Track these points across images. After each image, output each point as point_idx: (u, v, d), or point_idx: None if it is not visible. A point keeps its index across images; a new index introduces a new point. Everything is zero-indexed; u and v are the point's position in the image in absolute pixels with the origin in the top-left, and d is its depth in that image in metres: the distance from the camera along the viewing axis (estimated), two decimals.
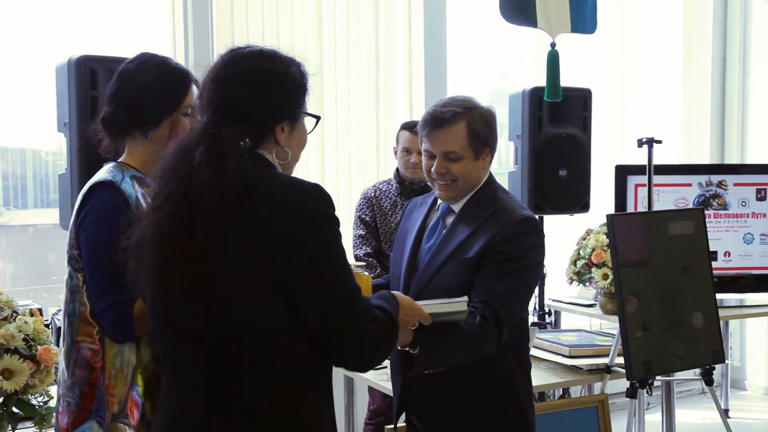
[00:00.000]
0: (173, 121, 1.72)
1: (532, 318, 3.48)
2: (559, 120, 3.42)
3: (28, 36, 3.42)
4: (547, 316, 3.67)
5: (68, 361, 1.67)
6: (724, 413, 3.13)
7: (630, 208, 3.62)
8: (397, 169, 3.36)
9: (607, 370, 2.79)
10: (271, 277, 1.38)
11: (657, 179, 3.18)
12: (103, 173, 1.70)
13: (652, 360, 2.61)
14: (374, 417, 3.36)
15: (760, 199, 3.74)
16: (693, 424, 4.49)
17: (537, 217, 2.15)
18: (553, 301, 3.74)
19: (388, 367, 2.40)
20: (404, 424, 2.12)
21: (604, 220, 3.12)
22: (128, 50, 2.64)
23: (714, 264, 2.93)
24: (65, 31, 3.45)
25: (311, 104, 1.56)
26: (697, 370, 2.90)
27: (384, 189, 3.37)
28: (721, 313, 2.92)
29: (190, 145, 1.44)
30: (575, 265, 3.40)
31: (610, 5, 4.66)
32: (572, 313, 3.72)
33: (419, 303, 1.74)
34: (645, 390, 2.73)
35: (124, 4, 3.56)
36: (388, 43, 4.03)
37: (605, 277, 3.26)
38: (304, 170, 3.72)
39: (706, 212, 2.99)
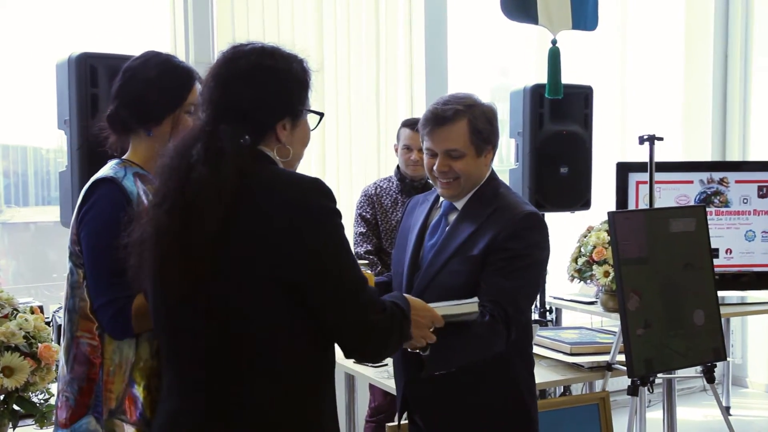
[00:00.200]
0: (175, 118, 1.72)
1: (533, 315, 3.48)
2: (560, 117, 3.42)
3: (29, 33, 3.42)
4: (548, 313, 3.66)
5: (68, 357, 1.68)
6: (726, 411, 3.13)
7: (631, 206, 3.62)
8: (398, 167, 3.36)
9: (608, 367, 2.79)
10: (273, 274, 1.37)
11: (658, 176, 3.17)
12: (106, 170, 1.71)
13: (653, 357, 2.60)
14: (375, 414, 3.36)
15: (762, 196, 3.73)
16: (694, 421, 4.49)
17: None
18: (554, 298, 3.74)
19: (390, 364, 2.40)
20: (406, 422, 2.12)
21: (606, 218, 3.11)
22: (129, 47, 2.65)
23: (715, 261, 2.93)
24: (65, 29, 3.45)
25: (313, 101, 1.56)
26: (699, 368, 2.90)
27: (385, 186, 3.37)
28: (723, 310, 2.92)
29: (189, 142, 1.44)
30: (576, 263, 3.40)
31: (611, 2, 4.65)
32: (573, 311, 3.72)
33: (433, 304, 1.73)
34: (646, 387, 2.73)
35: (125, 1, 3.55)
36: (389, 40, 4.02)
37: (606, 274, 3.26)
38: (304, 167, 3.71)
39: (707, 209, 2.98)
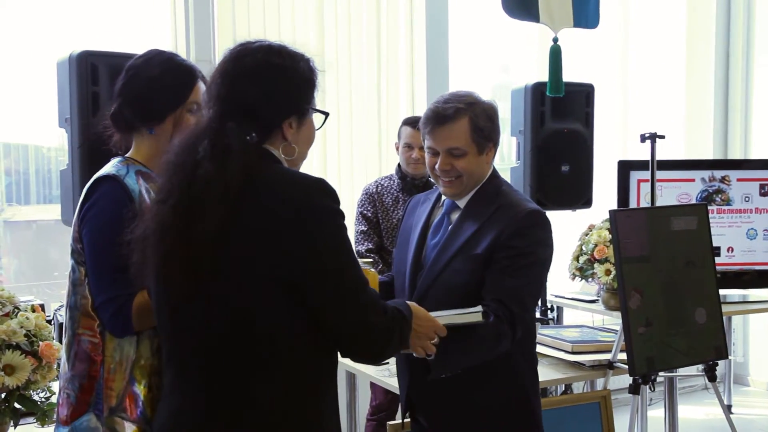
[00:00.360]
0: (178, 117, 1.72)
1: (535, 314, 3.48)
2: (561, 115, 3.41)
3: (30, 32, 3.42)
4: (549, 311, 3.66)
5: (69, 354, 1.68)
6: (727, 409, 3.13)
7: (633, 204, 3.61)
8: (399, 165, 3.36)
9: (609, 366, 2.79)
10: (275, 273, 1.37)
11: (660, 175, 3.17)
12: (108, 168, 1.71)
13: (654, 356, 2.60)
14: (376, 413, 3.36)
15: (764, 194, 3.73)
16: (696, 420, 4.49)
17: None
18: (556, 296, 3.74)
19: (392, 363, 2.40)
20: (408, 420, 2.12)
21: (607, 216, 3.11)
22: (130, 46, 2.66)
23: (717, 260, 2.92)
24: (66, 27, 3.45)
25: (319, 101, 1.55)
26: (700, 366, 2.90)
27: (386, 185, 3.37)
28: (724, 308, 2.91)
29: (195, 138, 1.43)
30: (578, 261, 3.40)
31: (613, 0, 4.64)
32: (574, 309, 3.72)
33: (436, 313, 1.73)
34: (648, 386, 2.72)
35: None
36: (390, 39, 4.02)
37: (608, 272, 3.25)
38: (305, 166, 3.70)
39: (709, 208, 2.98)
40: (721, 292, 2.89)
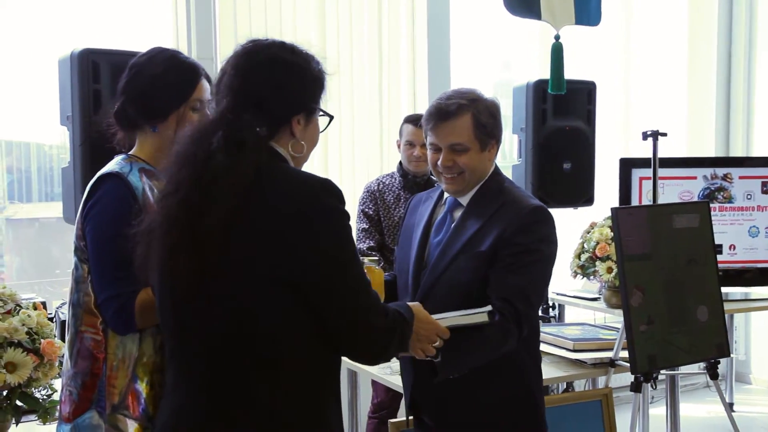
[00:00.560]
0: (181, 114, 1.72)
1: None
2: (563, 113, 3.41)
3: (31, 29, 3.42)
4: (550, 309, 3.66)
5: (71, 351, 1.68)
6: (729, 407, 3.12)
7: (634, 202, 3.61)
8: (401, 163, 3.35)
9: (611, 363, 2.79)
10: (278, 272, 1.36)
11: (661, 172, 3.16)
12: (112, 165, 1.71)
13: (656, 354, 2.60)
14: (377, 411, 3.36)
15: (766, 192, 3.72)
16: (697, 418, 4.48)
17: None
18: (557, 294, 3.74)
19: (394, 361, 2.39)
20: (408, 418, 2.11)
21: (609, 214, 3.11)
22: (131, 44, 2.65)
23: (719, 257, 2.92)
24: (68, 25, 3.45)
25: (326, 104, 1.56)
26: (702, 364, 2.89)
27: (387, 182, 3.37)
28: (726, 306, 2.91)
29: (207, 130, 1.43)
30: (579, 259, 3.40)
31: None
32: (576, 307, 3.71)
33: (440, 315, 1.73)
34: (649, 384, 2.72)
35: None
36: (392, 36, 4.02)
37: (609, 270, 3.25)
38: (307, 164, 3.71)
39: (711, 205, 2.97)
40: (723, 290, 2.89)
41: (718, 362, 2.86)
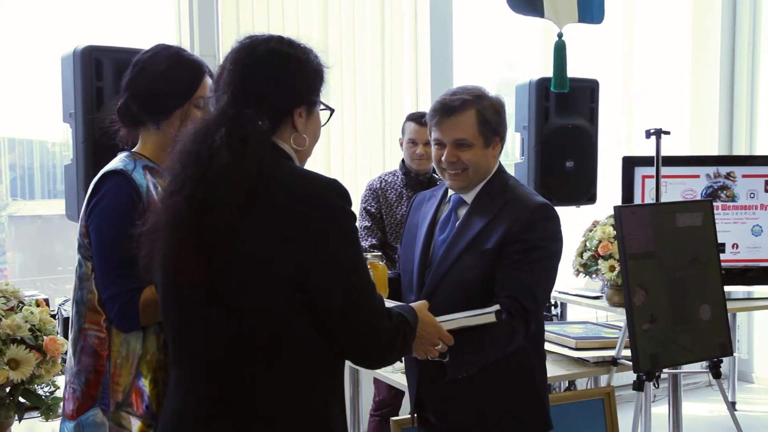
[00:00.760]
0: (185, 112, 1.72)
1: None
2: (565, 111, 3.40)
3: (34, 27, 3.42)
4: (553, 308, 3.66)
5: (75, 348, 1.68)
6: (732, 406, 3.12)
7: (637, 200, 3.60)
8: (403, 161, 3.35)
9: (613, 362, 2.78)
10: (283, 273, 1.35)
11: (664, 171, 3.16)
12: (116, 162, 1.71)
13: (659, 352, 2.60)
14: (379, 408, 3.36)
15: None
16: (700, 416, 4.48)
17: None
18: (559, 293, 3.73)
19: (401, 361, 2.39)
20: (410, 416, 2.11)
21: (611, 212, 3.10)
22: (134, 41, 2.65)
23: (722, 256, 2.91)
24: (71, 22, 3.45)
25: (323, 96, 1.55)
26: (705, 363, 2.89)
27: (389, 180, 3.36)
28: (729, 305, 2.90)
29: (210, 127, 1.41)
30: (582, 257, 3.39)
31: None
32: (578, 305, 3.71)
33: (447, 317, 1.73)
34: (652, 383, 2.72)
35: None
36: (394, 34, 4.01)
37: (612, 269, 3.25)
38: (309, 161, 3.70)
39: (714, 204, 2.97)
40: (726, 288, 2.88)
41: (721, 361, 2.85)
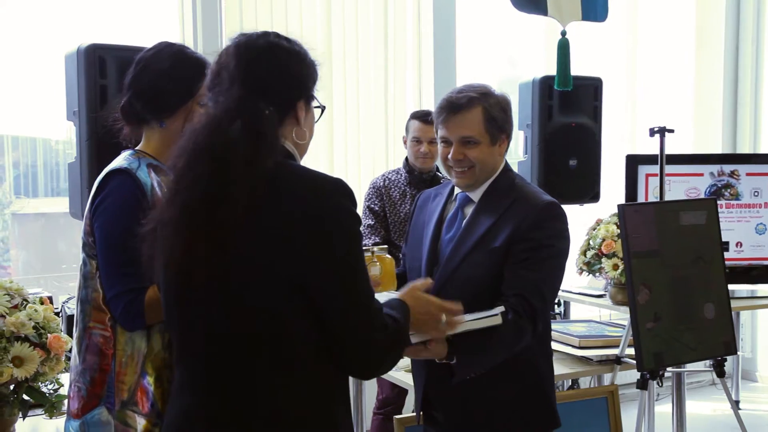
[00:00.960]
0: (188, 109, 1.71)
1: None
2: (569, 109, 3.39)
3: (38, 25, 3.43)
4: (556, 306, 3.65)
5: (80, 347, 1.68)
6: (735, 405, 3.11)
7: (641, 198, 3.60)
8: (406, 159, 3.35)
9: (617, 361, 2.78)
10: (287, 273, 1.34)
11: (668, 169, 3.15)
12: (120, 161, 1.70)
13: (663, 351, 2.59)
14: (383, 407, 3.36)
15: None
16: (703, 415, 4.47)
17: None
18: (563, 291, 3.72)
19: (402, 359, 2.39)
20: (413, 414, 2.11)
21: (615, 210, 3.09)
22: (138, 39, 2.65)
23: (725, 255, 2.91)
24: (74, 20, 3.45)
25: (326, 94, 1.55)
26: (708, 362, 2.88)
27: (393, 178, 3.36)
28: (733, 304, 2.90)
29: (221, 121, 1.38)
30: (585, 256, 3.38)
31: None
32: (581, 304, 3.70)
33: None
34: (655, 381, 2.71)
35: None
36: (397, 32, 4.01)
37: (615, 267, 3.24)
38: (312, 160, 3.72)
39: (718, 202, 2.96)
40: (729, 287, 2.87)
41: (725, 360, 2.84)
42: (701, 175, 3.69)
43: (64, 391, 2.12)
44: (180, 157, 1.41)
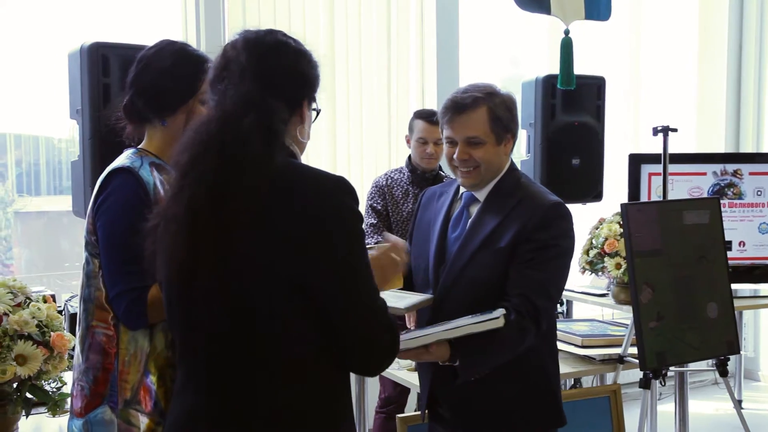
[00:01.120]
0: (190, 107, 1.71)
1: None
2: (572, 108, 3.39)
3: (41, 23, 3.43)
4: (559, 305, 3.65)
5: (83, 346, 1.68)
6: (738, 404, 3.11)
7: (644, 198, 3.59)
8: (409, 157, 3.35)
9: (619, 360, 2.78)
10: (287, 272, 1.33)
11: (671, 168, 3.15)
12: (122, 159, 1.70)
13: (665, 350, 2.59)
14: (385, 405, 3.36)
15: None
16: (706, 415, 4.47)
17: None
18: (565, 290, 3.70)
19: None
20: (416, 413, 2.11)
21: (617, 210, 3.09)
22: (141, 37, 2.65)
23: (728, 254, 2.90)
24: (77, 18, 3.45)
25: (328, 92, 1.55)
26: (711, 361, 2.88)
27: (396, 177, 3.36)
28: (735, 303, 2.89)
29: (231, 115, 1.36)
30: (588, 255, 3.38)
31: None
32: (584, 303, 3.70)
33: (453, 323, 1.72)
34: (658, 380, 2.71)
35: None
36: (400, 31, 4.01)
37: (618, 266, 3.24)
38: (315, 159, 3.72)
39: (720, 201, 2.96)
40: (732, 286, 2.87)
41: (728, 359, 2.84)
42: (704, 174, 3.69)
43: (67, 389, 2.12)
44: (184, 152, 1.38)
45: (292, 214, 1.34)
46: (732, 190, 3.69)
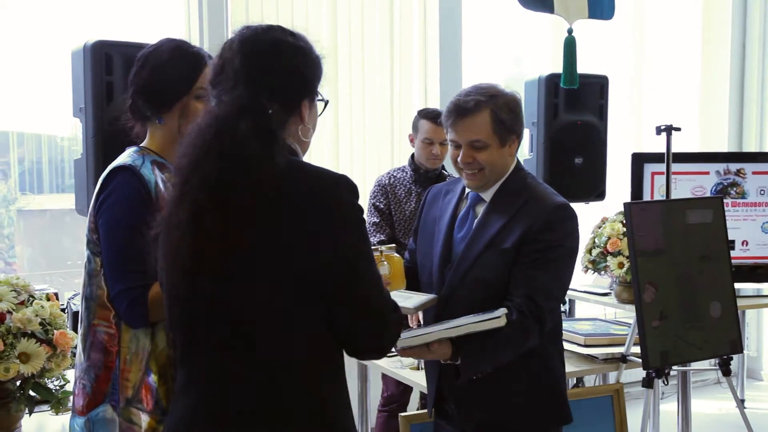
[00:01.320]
0: (184, 104, 1.70)
1: None
2: (575, 107, 3.39)
3: (44, 21, 3.43)
4: (561, 305, 3.64)
5: (85, 344, 1.68)
6: (741, 404, 3.11)
7: (646, 197, 3.59)
8: (412, 156, 3.34)
9: (622, 359, 2.78)
10: (291, 268, 1.33)
11: (674, 167, 3.14)
12: (124, 157, 1.70)
13: (668, 350, 2.59)
14: (388, 404, 3.36)
15: None
16: (708, 414, 4.46)
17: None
18: (568, 289, 3.72)
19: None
20: (418, 411, 2.11)
21: (620, 209, 3.09)
22: (144, 35, 2.65)
23: (731, 253, 2.90)
24: (81, 17, 3.45)
25: (325, 89, 1.54)
26: (714, 360, 2.88)
27: (398, 176, 3.36)
28: (738, 302, 2.89)
29: (228, 117, 1.36)
30: (590, 254, 3.38)
31: None
32: (587, 302, 3.70)
33: (455, 322, 1.73)
34: (661, 380, 2.71)
35: None
36: (403, 31, 4.00)
37: (620, 265, 3.24)
38: (317, 158, 3.72)
39: (724, 201, 2.95)
40: (735, 285, 2.87)
41: (731, 359, 2.84)
42: (707, 173, 3.68)
43: (70, 387, 2.13)
44: (183, 157, 1.38)
45: (291, 211, 1.34)
46: (735, 189, 3.69)
